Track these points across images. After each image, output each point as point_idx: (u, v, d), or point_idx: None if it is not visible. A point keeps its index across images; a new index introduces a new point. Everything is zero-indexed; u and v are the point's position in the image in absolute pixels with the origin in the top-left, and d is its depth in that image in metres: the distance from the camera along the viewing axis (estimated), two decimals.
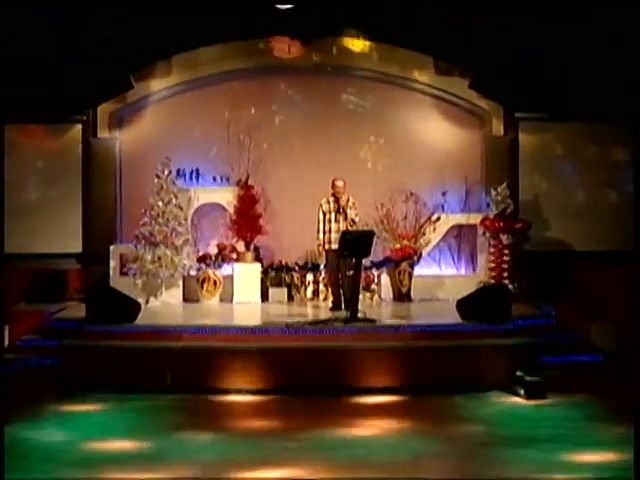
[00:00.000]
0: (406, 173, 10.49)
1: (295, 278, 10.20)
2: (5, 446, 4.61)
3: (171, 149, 10.12)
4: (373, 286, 10.10)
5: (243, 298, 9.90)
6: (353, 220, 8.77)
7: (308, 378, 6.72)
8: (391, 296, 10.17)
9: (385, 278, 10.23)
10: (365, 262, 9.32)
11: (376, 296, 10.11)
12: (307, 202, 9.59)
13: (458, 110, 10.85)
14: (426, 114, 10.86)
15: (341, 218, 8.80)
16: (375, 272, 10.17)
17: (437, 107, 10.85)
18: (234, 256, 10.09)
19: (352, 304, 7.87)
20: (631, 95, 8.95)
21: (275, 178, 10.50)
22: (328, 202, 8.94)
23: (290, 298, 10.13)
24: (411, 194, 10.37)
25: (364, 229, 9.03)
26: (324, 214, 8.91)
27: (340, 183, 8.89)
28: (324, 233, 8.88)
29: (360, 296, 8.45)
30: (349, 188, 9.01)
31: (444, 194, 10.58)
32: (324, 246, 8.90)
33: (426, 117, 10.86)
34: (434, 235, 10.41)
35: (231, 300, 9.94)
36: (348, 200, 8.88)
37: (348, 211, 8.78)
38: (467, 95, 10.57)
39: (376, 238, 8.62)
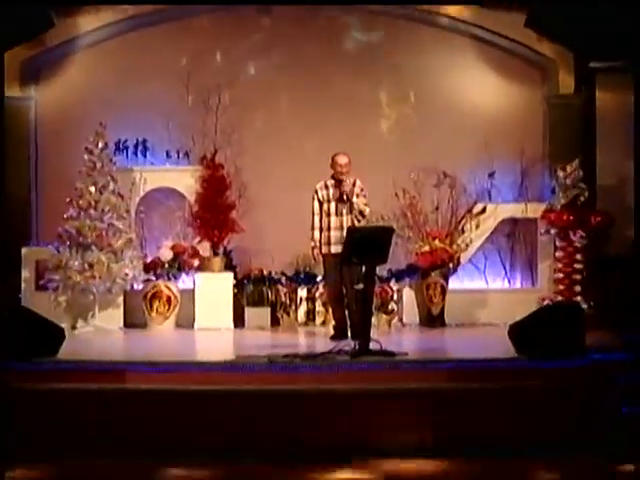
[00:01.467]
0: (438, 146, 10.50)
1: (282, 294, 10.19)
2: None
3: (108, 113, 10.13)
4: (392, 305, 10.09)
5: (209, 322, 9.89)
6: (362, 212, 8.74)
7: (301, 435, 6.69)
8: (417, 319, 10.18)
9: (409, 294, 10.22)
10: (380, 271, 9.28)
11: (396, 319, 10.10)
12: (298, 187, 9.59)
13: (511, 58, 10.86)
14: (467, 64, 10.88)
15: (345, 209, 8.77)
16: (394, 285, 10.16)
17: (482, 54, 10.88)
18: (196, 263, 10.08)
19: (362, 331, 7.84)
20: None
21: (253, 153, 10.50)
22: (326, 187, 8.91)
23: (275, 322, 10.13)
24: (445, 175, 10.36)
25: (378, 225, 9.00)
26: (321, 204, 8.89)
27: (343, 159, 8.86)
28: (321, 231, 8.86)
29: (373, 319, 8.42)
30: (357, 167, 8.98)
31: (491, 176, 10.60)
32: (321, 249, 8.88)
33: (466, 68, 10.87)
34: (477, 233, 10.42)
35: (192, 325, 9.94)
36: (355, 184, 8.85)
37: (355, 199, 8.75)
38: (524, 37, 10.59)
39: (395, 237, 8.57)
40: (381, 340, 7.84)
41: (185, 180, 10.36)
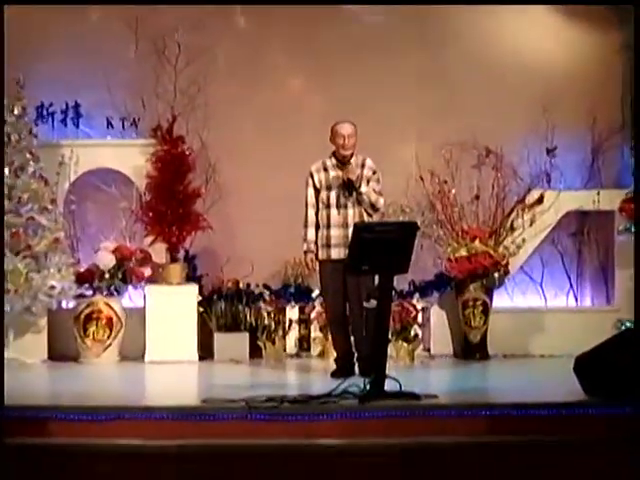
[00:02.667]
0: (479, 113, 10.56)
1: (264, 315, 10.20)
2: None
3: (27, 66, 10.15)
4: (415, 330, 10.10)
5: (164, 353, 9.95)
6: (374, 204, 8.79)
7: None
8: (450, 349, 10.27)
9: (438, 315, 10.30)
10: (399, 284, 9.29)
11: (420, 349, 10.15)
12: (287, 169, 9.73)
13: None
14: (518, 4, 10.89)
15: (351, 200, 8.80)
16: (419, 303, 10.20)
17: None
18: (147, 272, 10.12)
19: (374, 365, 7.86)
20: None
21: (226, 122, 10.55)
22: (325, 169, 8.96)
23: (255, 353, 10.17)
24: (488, 153, 10.44)
25: (397, 220, 9.02)
26: (317, 192, 8.93)
27: (347, 129, 8.89)
28: (318, 228, 8.92)
29: (390, 349, 8.44)
30: (367, 141, 9.01)
31: (551, 152, 10.62)
32: (318, 253, 8.92)
33: (518, 9, 10.85)
34: (532, 232, 10.46)
35: (142, 357, 10.00)
36: (364, 165, 8.90)
37: (364, 187, 8.78)
38: None
39: (420, 237, 8.60)
40: (400, 378, 7.88)
41: (132, 159, 10.38)
